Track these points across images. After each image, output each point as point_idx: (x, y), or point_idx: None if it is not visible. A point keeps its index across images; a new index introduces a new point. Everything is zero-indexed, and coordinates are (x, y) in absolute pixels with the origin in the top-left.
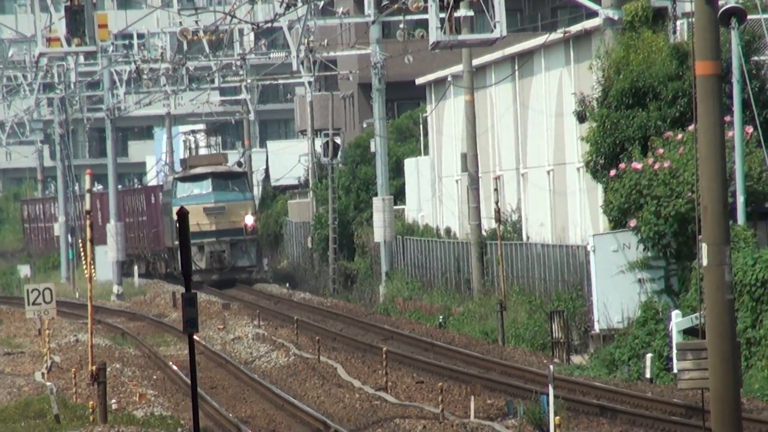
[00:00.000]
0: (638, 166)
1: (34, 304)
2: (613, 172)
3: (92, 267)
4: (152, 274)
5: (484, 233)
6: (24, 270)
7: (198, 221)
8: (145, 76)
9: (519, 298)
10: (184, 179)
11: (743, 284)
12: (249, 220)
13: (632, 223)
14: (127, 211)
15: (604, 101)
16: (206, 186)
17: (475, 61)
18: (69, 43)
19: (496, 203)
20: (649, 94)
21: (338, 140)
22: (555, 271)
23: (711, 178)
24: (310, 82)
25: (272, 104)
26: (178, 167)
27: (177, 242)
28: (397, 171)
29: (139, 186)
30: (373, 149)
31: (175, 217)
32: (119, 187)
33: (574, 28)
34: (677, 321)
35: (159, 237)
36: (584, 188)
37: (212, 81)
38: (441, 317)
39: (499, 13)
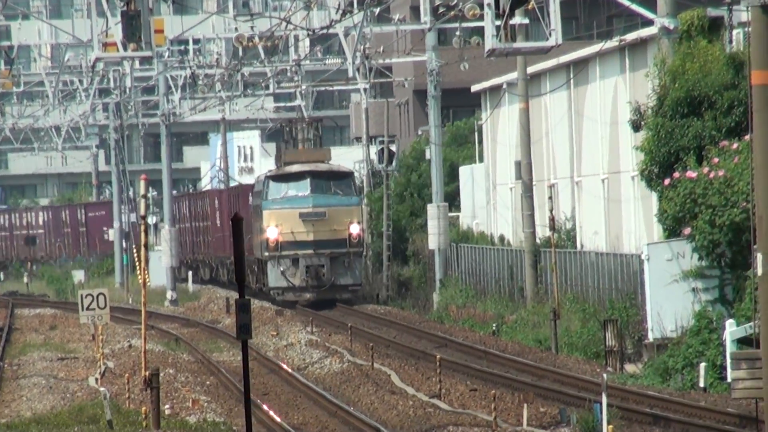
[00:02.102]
0: (693, 174)
1: (88, 309)
2: (667, 181)
3: (146, 272)
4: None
5: (538, 241)
6: (78, 275)
7: (293, 229)
8: (200, 82)
9: (572, 306)
10: (278, 178)
11: None
12: (355, 228)
13: (686, 231)
14: (229, 212)
15: (659, 110)
16: (304, 187)
17: (530, 69)
18: (125, 48)
19: (551, 211)
20: (704, 103)
21: (393, 147)
22: (609, 280)
23: (766, 188)
24: (365, 89)
25: (327, 110)
26: (232, 172)
27: (267, 254)
28: (452, 176)
29: (240, 184)
30: (428, 156)
31: (266, 223)
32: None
33: (630, 37)
34: (731, 330)
35: (250, 246)
36: (638, 197)
37: (267, 87)
38: (494, 325)
39: (554, 21)
